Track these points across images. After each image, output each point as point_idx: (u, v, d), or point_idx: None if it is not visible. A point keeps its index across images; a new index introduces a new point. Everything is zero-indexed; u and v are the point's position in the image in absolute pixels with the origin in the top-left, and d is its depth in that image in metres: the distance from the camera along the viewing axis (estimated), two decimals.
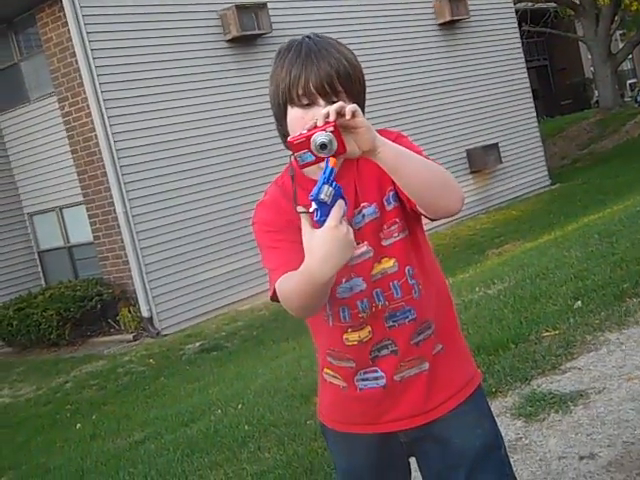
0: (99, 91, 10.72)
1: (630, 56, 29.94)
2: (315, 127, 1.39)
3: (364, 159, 1.50)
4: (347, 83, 1.58)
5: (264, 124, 10.65)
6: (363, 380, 1.69)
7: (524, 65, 18.09)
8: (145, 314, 10.86)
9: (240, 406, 5.05)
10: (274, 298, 1.58)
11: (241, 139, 12.07)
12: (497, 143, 16.36)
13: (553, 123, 25.26)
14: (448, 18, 15.78)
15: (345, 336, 1.67)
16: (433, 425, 1.69)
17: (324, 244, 1.36)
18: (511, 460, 1.83)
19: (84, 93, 10.87)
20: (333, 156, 1.40)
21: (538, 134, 18.04)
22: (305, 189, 1.53)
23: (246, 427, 4.35)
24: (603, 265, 5.00)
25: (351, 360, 1.68)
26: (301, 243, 1.41)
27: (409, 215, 1.63)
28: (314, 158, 1.40)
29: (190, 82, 11.67)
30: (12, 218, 12.59)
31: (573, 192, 15.71)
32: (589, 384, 3.35)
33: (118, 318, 11.01)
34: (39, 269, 12.78)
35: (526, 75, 18.08)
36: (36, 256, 12.78)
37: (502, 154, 16.40)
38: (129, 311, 10.90)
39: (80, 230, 11.84)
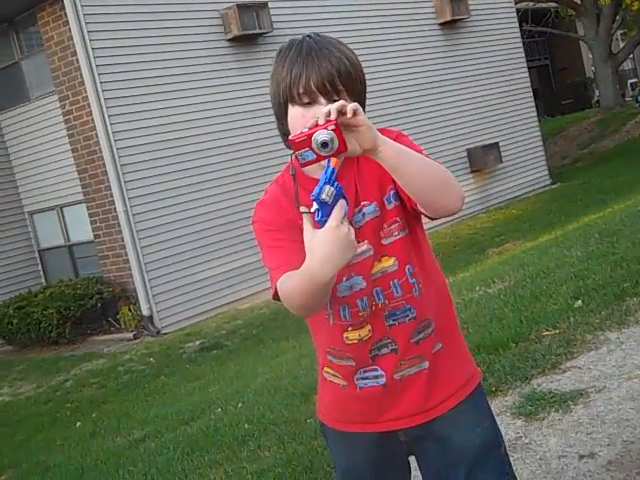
0: (100, 90, 10.72)
1: (631, 56, 29.93)
2: (316, 125, 1.40)
3: (365, 158, 1.50)
4: (348, 82, 1.59)
5: (265, 123, 10.66)
6: (363, 379, 1.69)
7: (525, 65, 18.08)
8: (145, 313, 10.87)
9: (240, 405, 5.05)
10: (276, 297, 1.58)
11: (242, 138, 12.07)
12: (497, 142, 16.36)
13: (554, 123, 25.26)
14: (449, 18, 15.78)
15: (345, 335, 1.67)
16: (433, 424, 1.69)
17: (325, 244, 1.37)
18: (511, 459, 1.83)
19: (85, 92, 10.87)
20: (334, 155, 1.40)
21: (539, 133, 18.03)
22: (306, 188, 1.53)
23: (246, 426, 4.35)
24: (603, 264, 5.00)
25: (351, 359, 1.68)
26: (301, 242, 1.42)
27: (409, 214, 1.63)
28: (315, 156, 1.40)
29: (191, 81, 11.67)
30: (12, 216, 12.59)
31: (574, 191, 15.70)
32: (589, 383, 3.35)
33: (118, 317, 11.02)
34: (39, 267, 12.78)
35: (527, 74, 18.08)
36: (36, 254, 12.79)
37: (502, 153, 16.39)
38: (129, 310, 10.90)
39: (80, 229, 11.85)
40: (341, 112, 1.39)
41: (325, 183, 1.37)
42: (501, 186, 16.62)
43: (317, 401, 1.87)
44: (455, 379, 1.72)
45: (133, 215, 10.85)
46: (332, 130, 1.38)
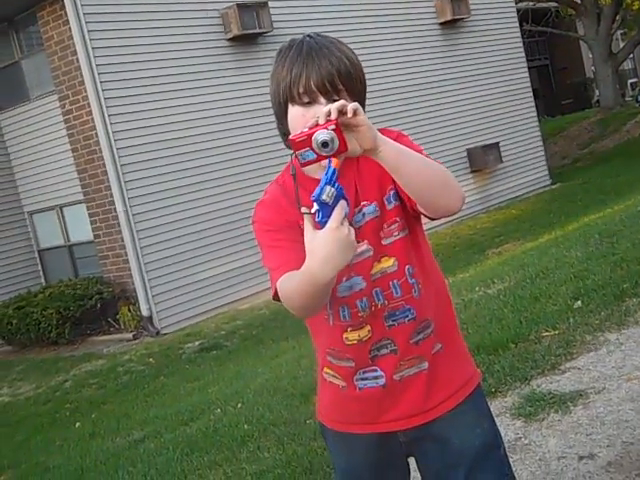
0: (100, 89, 10.72)
1: (631, 55, 29.93)
2: (317, 125, 1.39)
3: (364, 158, 1.50)
4: (348, 82, 1.58)
5: (264, 123, 10.65)
6: (362, 379, 1.69)
7: (525, 64, 18.08)
8: (145, 313, 10.86)
9: (239, 405, 5.05)
10: (276, 298, 1.58)
11: (241, 138, 12.06)
12: (498, 142, 16.36)
13: (554, 122, 25.26)
14: (449, 17, 15.77)
15: (345, 335, 1.67)
16: (432, 425, 1.69)
17: (325, 245, 1.36)
18: (510, 460, 1.83)
19: (85, 91, 10.86)
20: (334, 154, 1.39)
21: (539, 133, 18.03)
22: (306, 188, 1.53)
23: (245, 426, 4.34)
24: (603, 265, 5.00)
25: (350, 359, 1.68)
26: (301, 242, 1.42)
27: (409, 214, 1.63)
28: (315, 156, 1.40)
29: (191, 81, 11.66)
30: (12, 217, 12.59)
31: (574, 192, 15.70)
32: (589, 384, 3.34)
33: (118, 317, 11.01)
34: (39, 268, 12.78)
35: (527, 74, 18.08)
36: (36, 255, 12.78)
37: (502, 153, 16.39)
38: (129, 310, 10.90)
39: (80, 229, 11.84)
40: (341, 112, 1.39)
41: (326, 184, 1.37)
42: (501, 186, 16.62)
43: (316, 402, 1.87)
44: (454, 380, 1.71)
45: (133, 215, 10.85)
46: (332, 130, 1.38)
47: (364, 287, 1.64)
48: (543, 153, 18.01)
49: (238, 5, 11.98)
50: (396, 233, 1.64)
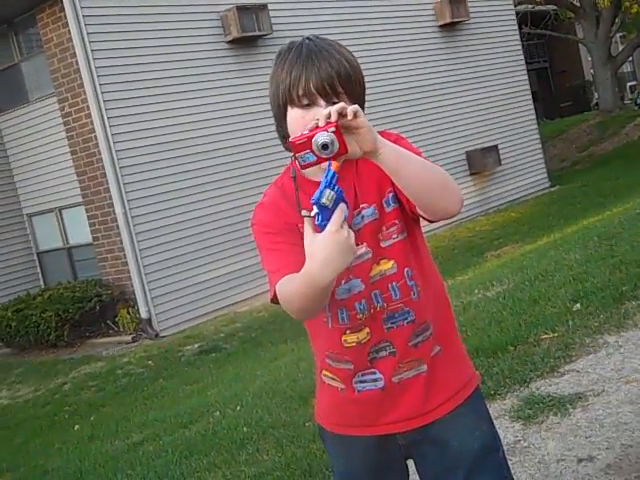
0: (99, 92, 10.72)
1: (630, 58, 29.96)
2: (317, 127, 1.39)
3: (363, 160, 1.50)
4: (347, 84, 1.58)
5: (264, 125, 10.65)
6: (361, 382, 1.69)
7: (524, 67, 18.10)
8: (144, 315, 10.86)
9: (238, 408, 5.04)
10: (274, 300, 1.58)
11: (241, 140, 12.07)
12: (497, 145, 16.37)
13: (553, 125, 25.28)
14: (448, 20, 15.79)
15: (344, 338, 1.67)
16: (431, 427, 1.69)
17: (325, 248, 1.36)
18: (509, 463, 1.83)
19: (84, 94, 10.87)
20: (334, 157, 1.39)
21: (538, 136, 18.04)
22: (305, 191, 1.53)
23: (244, 429, 4.34)
24: (602, 268, 5.00)
25: (349, 362, 1.68)
26: (300, 245, 1.42)
27: (408, 217, 1.63)
28: (315, 159, 1.40)
29: (190, 83, 11.67)
30: (11, 219, 12.59)
31: (572, 194, 15.71)
32: (588, 387, 3.34)
33: (117, 319, 11.01)
34: (38, 270, 12.77)
35: (526, 77, 18.10)
36: (35, 257, 12.78)
37: (501, 156, 16.40)
38: (128, 312, 10.89)
39: (79, 231, 11.84)
40: (341, 114, 1.39)
41: (326, 187, 1.37)
42: (500, 189, 16.62)
43: (315, 404, 1.86)
44: (453, 382, 1.71)
45: (132, 217, 10.85)
46: (332, 132, 1.38)
47: (363, 289, 1.64)
48: (542, 156, 18.02)
49: (238, 8, 11.99)
50: (395, 236, 1.64)
